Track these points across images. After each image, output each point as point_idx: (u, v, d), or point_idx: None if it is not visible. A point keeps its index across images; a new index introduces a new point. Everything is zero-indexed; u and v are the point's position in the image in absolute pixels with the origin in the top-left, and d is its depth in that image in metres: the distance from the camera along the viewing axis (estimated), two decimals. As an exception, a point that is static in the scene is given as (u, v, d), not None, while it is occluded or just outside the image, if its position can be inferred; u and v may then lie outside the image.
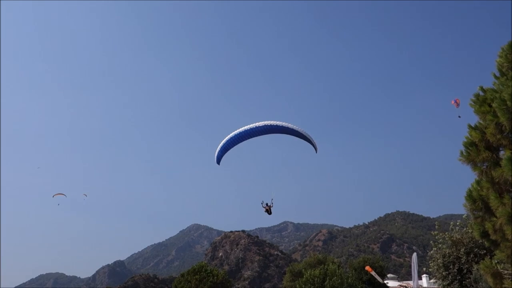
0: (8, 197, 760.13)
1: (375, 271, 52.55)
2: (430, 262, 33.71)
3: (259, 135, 29.81)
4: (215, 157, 30.83)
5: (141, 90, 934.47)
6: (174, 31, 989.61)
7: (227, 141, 30.01)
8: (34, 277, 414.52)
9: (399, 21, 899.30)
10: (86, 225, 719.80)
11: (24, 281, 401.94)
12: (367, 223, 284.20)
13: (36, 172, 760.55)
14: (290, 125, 28.90)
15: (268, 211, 30.99)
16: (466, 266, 28.21)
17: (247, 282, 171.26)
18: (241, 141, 30.42)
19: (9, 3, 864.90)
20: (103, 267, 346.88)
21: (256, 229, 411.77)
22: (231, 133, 30.14)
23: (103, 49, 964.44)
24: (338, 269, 53.88)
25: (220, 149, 30.72)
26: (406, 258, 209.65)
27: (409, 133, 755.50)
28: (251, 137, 30.13)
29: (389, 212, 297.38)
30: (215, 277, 56.07)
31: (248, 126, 29.87)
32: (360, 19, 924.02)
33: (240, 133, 29.65)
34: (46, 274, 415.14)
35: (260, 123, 29.40)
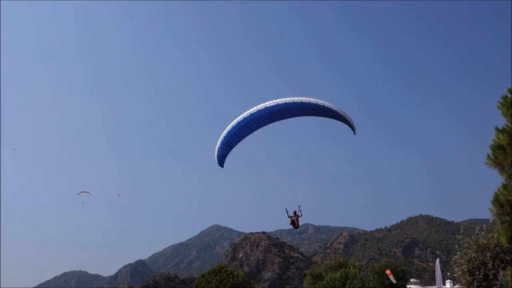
0: (35, 195, 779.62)
1: (397, 275, 51.90)
2: (454, 267, 32.93)
3: (276, 119, 23.54)
4: (215, 156, 25.08)
5: (162, 89, 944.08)
6: (186, 28, 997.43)
7: (231, 133, 23.84)
8: (58, 274, 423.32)
9: (425, 18, 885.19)
10: (109, 225, 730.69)
11: (49, 278, 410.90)
12: (389, 226, 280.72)
13: (60, 171, 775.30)
14: (319, 102, 22.64)
15: (295, 223, 25.69)
16: (493, 272, 27.53)
17: (267, 284, 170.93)
18: (250, 133, 23.95)
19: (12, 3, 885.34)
20: (125, 266, 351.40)
21: (276, 230, 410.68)
22: (234, 120, 23.70)
23: (120, 48, 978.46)
24: (359, 273, 53.38)
25: (222, 145, 24.54)
26: (429, 263, 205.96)
27: (434, 135, 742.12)
28: (264, 124, 23.70)
29: (412, 216, 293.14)
30: (235, 278, 56.23)
31: (256, 108, 23.07)
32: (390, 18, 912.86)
33: (247, 120, 23.13)
34: (70, 272, 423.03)
35: (272, 102, 22.89)
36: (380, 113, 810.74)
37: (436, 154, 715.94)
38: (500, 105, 13.32)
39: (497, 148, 12.88)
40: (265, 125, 24.12)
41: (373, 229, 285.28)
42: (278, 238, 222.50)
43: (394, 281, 49.08)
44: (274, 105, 22.98)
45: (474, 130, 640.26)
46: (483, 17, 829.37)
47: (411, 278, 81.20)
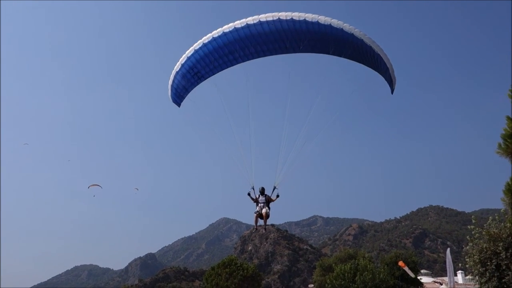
0: (45, 189, 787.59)
1: (408, 267, 51.63)
2: (466, 257, 32.60)
3: (275, 50, 16.45)
4: (169, 86, 18.55)
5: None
6: (197, 24, 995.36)
7: (200, 54, 17.02)
8: (69, 268, 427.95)
9: (427, 12, 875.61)
10: (119, 219, 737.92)
11: (60, 272, 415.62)
12: (398, 217, 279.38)
13: (71, 165, 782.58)
14: (346, 27, 15.05)
15: (263, 217, 19.40)
16: (505, 262, 27.22)
17: (276, 276, 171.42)
18: (230, 63, 17.24)
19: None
20: (135, 260, 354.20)
21: (285, 223, 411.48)
22: (208, 35, 16.62)
23: (130, 43, 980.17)
24: (369, 264, 53.25)
25: (182, 69, 17.69)
26: (440, 254, 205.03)
27: (443, 124, 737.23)
28: (257, 54, 16.82)
29: (422, 207, 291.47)
30: (245, 271, 56.40)
31: (246, 21, 15.93)
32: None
33: (228, 38, 16.11)
34: (81, 265, 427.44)
35: (273, 15, 15.50)
36: (389, 104, 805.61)
37: (445, 144, 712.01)
38: (511, 93, 13.11)
39: (509, 137, 12.70)
40: (259, 55, 17.37)
41: (383, 220, 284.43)
42: (287, 231, 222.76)
43: (412, 274, 48.77)
44: (273, 21, 15.52)
45: (485, 119, 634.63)
46: (488, 10, 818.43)
47: (422, 269, 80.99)
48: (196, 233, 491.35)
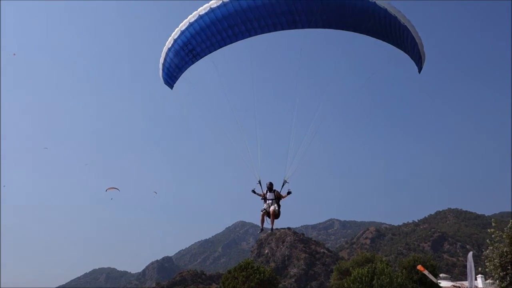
0: (64, 194, 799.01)
1: (426, 271, 50.91)
2: (486, 261, 32.06)
3: (285, 24, 14.37)
4: (161, 64, 16.50)
5: (190, 90, 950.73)
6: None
7: (196, 28, 14.81)
8: (88, 271, 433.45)
9: (432, 14, 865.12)
10: (136, 222, 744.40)
11: (79, 275, 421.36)
12: (416, 220, 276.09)
13: (89, 169, 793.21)
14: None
15: (273, 215, 16.99)
16: (526, 266, 26.72)
17: (293, 280, 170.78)
18: (229, 39, 15.04)
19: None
20: (152, 263, 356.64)
21: (301, 226, 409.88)
22: (205, 5, 14.43)
23: (150, 46, 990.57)
24: (387, 268, 52.66)
25: (175, 45, 15.47)
26: (459, 258, 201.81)
27: (462, 126, 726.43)
28: (261, 29, 14.69)
29: (440, 210, 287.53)
30: (262, 274, 56.31)
31: None
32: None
33: (228, 9, 13.97)
34: (99, 268, 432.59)
35: None
36: (404, 106, 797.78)
37: (464, 146, 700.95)
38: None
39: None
40: (263, 31, 15.15)
41: (400, 223, 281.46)
42: (303, 234, 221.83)
43: (433, 278, 48.05)
44: None
45: (503, 121, 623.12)
46: (491, 13, 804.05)
47: (441, 273, 79.86)
48: (212, 236, 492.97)
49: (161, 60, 16.48)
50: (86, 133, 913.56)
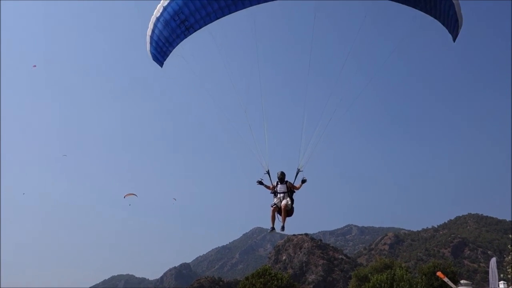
0: (83, 200, 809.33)
1: (447, 277, 50.24)
2: (508, 267, 31.59)
3: None
4: (148, 37, 14.32)
5: (208, 94, 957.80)
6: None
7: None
8: (106, 278, 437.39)
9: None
10: (154, 228, 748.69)
11: (97, 282, 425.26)
12: (436, 226, 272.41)
13: (107, 175, 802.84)
14: None
15: (284, 210, 14.78)
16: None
17: (311, 286, 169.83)
18: (228, 9, 12.91)
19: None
20: (170, 270, 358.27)
21: (319, 232, 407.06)
22: None
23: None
24: (406, 274, 52.15)
25: (165, 14, 13.29)
26: (480, 264, 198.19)
27: (480, 129, 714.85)
28: None
29: (460, 215, 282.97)
30: (280, 281, 56.30)
31: None
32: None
33: None
34: (118, 275, 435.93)
35: None
36: (426, 111, 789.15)
37: (483, 151, 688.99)
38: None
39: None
40: None
41: (419, 229, 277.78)
42: (321, 240, 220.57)
43: (453, 285, 47.37)
44: None
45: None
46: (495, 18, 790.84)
47: (461, 279, 78.43)
48: (230, 242, 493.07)
49: (149, 32, 14.20)
50: (104, 140, 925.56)
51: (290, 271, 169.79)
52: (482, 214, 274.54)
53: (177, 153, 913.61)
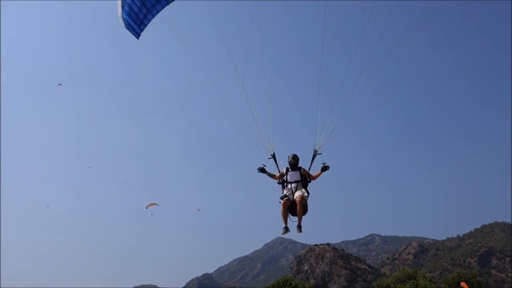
0: (106, 212, 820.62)
1: (471, 287, 49.35)
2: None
3: None
4: (120, 9, 11.10)
5: (224, 103, 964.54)
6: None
7: None
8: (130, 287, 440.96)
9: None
10: (176, 238, 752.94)
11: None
12: (461, 235, 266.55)
13: (128, 186, 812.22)
14: None
15: (299, 204, 11.70)
16: None
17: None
18: None
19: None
20: (192, 280, 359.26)
21: (341, 242, 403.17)
22: None
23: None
24: (430, 285, 51.43)
25: None
26: (508, 273, 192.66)
27: (507, 134, 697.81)
28: None
29: (487, 223, 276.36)
30: (301, 291, 56.13)
31: None
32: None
33: None
34: (141, 286, 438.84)
35: None
36: (451, 117, 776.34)
37: (510, 157, 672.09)
38: None
39: None
40: None
41: (444, 238, 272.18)
42: (343, 250, 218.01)
43: None
44: None
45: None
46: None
47: (488, 289, 76.75)
48: (251, 253, 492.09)
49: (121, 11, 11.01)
50: (126, 152, 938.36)
51: (312, 281, 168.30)
52: (509, 222, 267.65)
53: (199, 162, 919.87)
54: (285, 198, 11.80)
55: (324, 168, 11.67)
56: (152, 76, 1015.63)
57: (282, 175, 12.26)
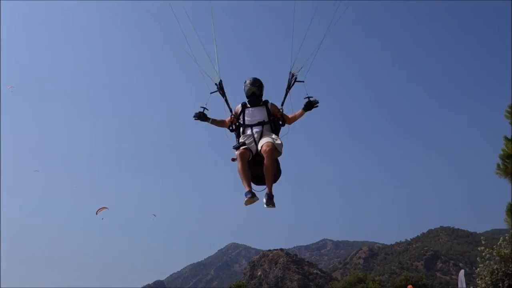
0: (53, 216, 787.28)
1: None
2: (477, 279, 32.10)
3: None
4: None
5: (180, 109, 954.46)
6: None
7: None
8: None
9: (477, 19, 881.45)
10: (126, 245, 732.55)
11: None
12: (409, 239, 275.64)
13: (77, 192, 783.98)
14: None
15: (269, 156, 6.42)
16: (518, 283, 26.79)
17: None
18: None
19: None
20: (144, 287, 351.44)
21: (294, 247, 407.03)
22: None
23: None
24: (379, 288, 52.56)
25: None
26: (452, 276, 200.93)
27: (452, 143, 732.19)
28: None
29: (433, 228, 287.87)
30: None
31: None
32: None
33: None
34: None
35: None
36: (399, 122, 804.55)
37: (455, 164, 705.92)
38: (507, 114, 13.21)
39: (507, 157, 12.75)
40: None
41: (393, 242, 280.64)
42: (296, 255, 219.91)
43: None
44: None
45: (489, 138, 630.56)
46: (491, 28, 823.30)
47: (433, 292, 79.58)
48: (205, 259, 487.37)
49: None
50: (74, 154, 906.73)
51: (265, 286, 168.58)
52: (453, 227, 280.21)
53: (149, 166, 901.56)
54: (242, 147, 6.78)
55: (310, 105, 7.00)
56: (122, 75, 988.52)
57: (236, 115, 7.29)
